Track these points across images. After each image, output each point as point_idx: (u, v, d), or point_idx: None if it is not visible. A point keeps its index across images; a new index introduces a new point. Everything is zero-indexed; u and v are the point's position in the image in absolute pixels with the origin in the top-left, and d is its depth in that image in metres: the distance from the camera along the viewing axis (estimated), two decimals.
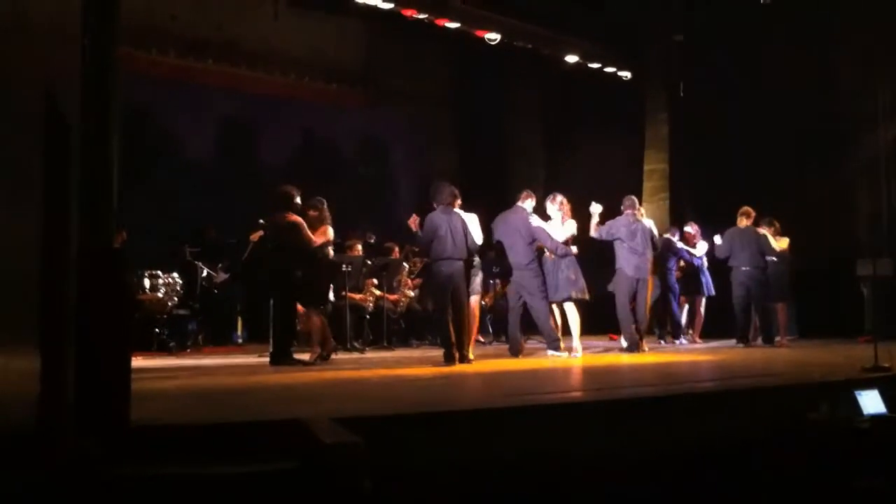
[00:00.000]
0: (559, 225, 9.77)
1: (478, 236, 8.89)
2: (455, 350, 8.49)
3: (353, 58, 14.49)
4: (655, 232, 10.88)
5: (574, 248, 9.75)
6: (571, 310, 9.76)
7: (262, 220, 9.87)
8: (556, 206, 9.86)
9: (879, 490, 4.50)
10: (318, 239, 8.77)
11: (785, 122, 12.46)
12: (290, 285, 8.68)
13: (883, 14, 12.16)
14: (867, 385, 6.27)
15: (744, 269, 11.26)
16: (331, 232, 9.04)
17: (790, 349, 10.67)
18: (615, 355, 10.17)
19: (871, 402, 6.03)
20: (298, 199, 8.78)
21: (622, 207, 10.64)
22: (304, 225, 8.65)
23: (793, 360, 9.15)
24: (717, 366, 8.65)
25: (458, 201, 8.87)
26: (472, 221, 8.88)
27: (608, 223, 10.55)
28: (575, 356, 9.50)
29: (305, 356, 8.87)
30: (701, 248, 12.00)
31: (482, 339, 12.76)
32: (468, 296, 8.89)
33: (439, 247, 8.58)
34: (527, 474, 4.59)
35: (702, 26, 13.26)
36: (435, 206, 8.76)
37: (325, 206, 9.06)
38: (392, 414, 4.87)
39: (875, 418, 5.93)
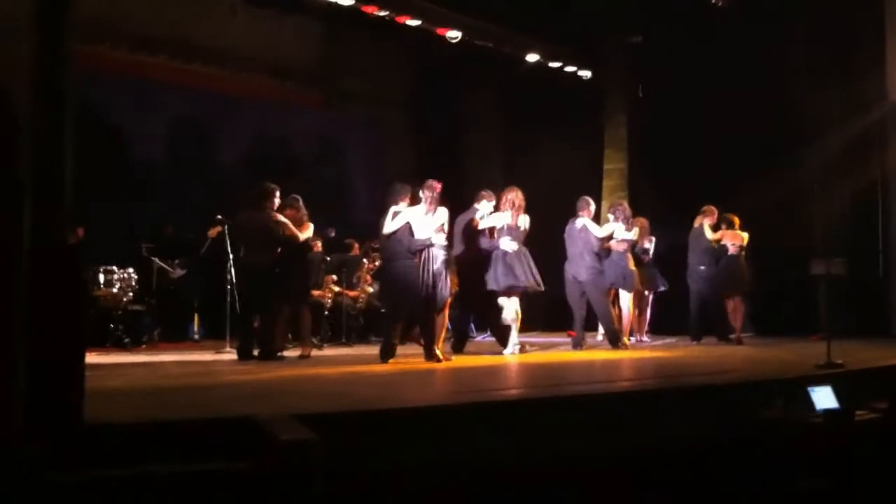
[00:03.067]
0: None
1: (421, 232, 8.48)
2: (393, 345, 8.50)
3: (310, 57, 14.36)
4: (595, 231, 10.49)
5: (505, 243, 9.61)
6: (507, 304, 9.67)
7: (219, 217, 9.85)
8: (507, 203, 9.70)
9: (823, 490, 4.57)
10: (302, 232, 9.00)
11: (742, 123, 12.56)
12: (275, 282, 8.79)
13: (842, 17, 12.34)
14: (820, 381, 6.37)
15: (694, 266, 11.44)
16: (311, 228, 9.24)
17: (746, 346, 10.79)
18: (567, 352, 10.24)
19: (823, 398, 6.13)
20: (277, 196, 8.98)
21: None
22: (285, 222, 8.87)
23: (747, 357, 9.26)
24: (671, 363, 8.74)
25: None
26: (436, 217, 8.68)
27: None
28: (506, 353, 9.55)
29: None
30: (649, 244, 12.07)
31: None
32: (409, 294, 8.48)
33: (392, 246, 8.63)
34: (485, 471, 4.60)
35: (661, 28, 13.34)
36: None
37: (302, 204, 9.22)
38: (351, 410, 4.87)
39: (827, 414, 6.03)
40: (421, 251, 8.39)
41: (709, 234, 11.36)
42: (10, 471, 3.35)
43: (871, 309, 12.16)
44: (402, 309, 8.66)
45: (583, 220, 10.47)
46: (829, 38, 12.47)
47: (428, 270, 8.37)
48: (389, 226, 8.45)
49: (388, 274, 8.90)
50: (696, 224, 11.54)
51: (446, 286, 8.59)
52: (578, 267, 10.36)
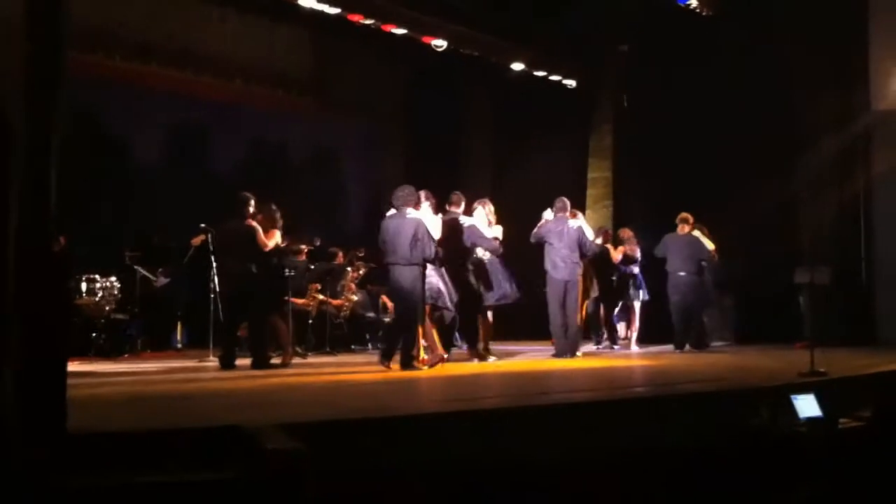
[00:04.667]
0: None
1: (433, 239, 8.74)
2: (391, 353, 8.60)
3: (303, 66, 14.34)
4: (588, 234, 10.72)
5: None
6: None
7: (203, 225, 9.83)
8: (491, 214, 10.09)
9: (819, 497, 4.58)
10: (268, 243, 8.95)
11: (729, 132, 12.61)
12: (256, 291, 8.80)
13: (827, 28, 12.42)
14: (804, 390, 6.39)
15: (679, 274, 11.44)
16: (278, 236, 9.16)
17: (731, 355, 10.83)
18: (548, 360, 10.23)
19: (807, 406, 6.15)
20: (252, 204, 8.97)
21: (553, 209, 10.66)
22: (260, 230, 8.87)
23: (732, 365, 9.29)
24: (657, 371, 8.76)
25: (421, 203, 8.85)
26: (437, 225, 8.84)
27: (539, 226, 10.60)
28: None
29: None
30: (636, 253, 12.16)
31: (424, 344, 12.76)
32: (410, 300, 8.57)
33: (385, 251, 8.73)
34: (468, 478, 4.59)
35: (648, 37, 13.39)
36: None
37: (275, 210, 9.18)
38: (336, 419, 4.85)
39: (811, 422, 6.04)
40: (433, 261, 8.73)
41: (709, 245, 11.40)
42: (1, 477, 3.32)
43: (857, 317, 12.22)
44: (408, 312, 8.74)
45: (578, 222, 10.57)
46: (817, 49, 12.51)
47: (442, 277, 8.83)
48: (435, 231, 8.64)
49: (398, 278, 8.71)
50: (683, 232, 11.52)
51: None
52: (567, 266, 10.40)
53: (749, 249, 11.96)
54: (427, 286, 8.77)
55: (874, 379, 7.84)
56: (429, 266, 8.75)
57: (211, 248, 9.72)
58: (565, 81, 14.31)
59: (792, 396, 6.18)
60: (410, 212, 8.65)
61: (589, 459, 5.03)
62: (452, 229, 9.57)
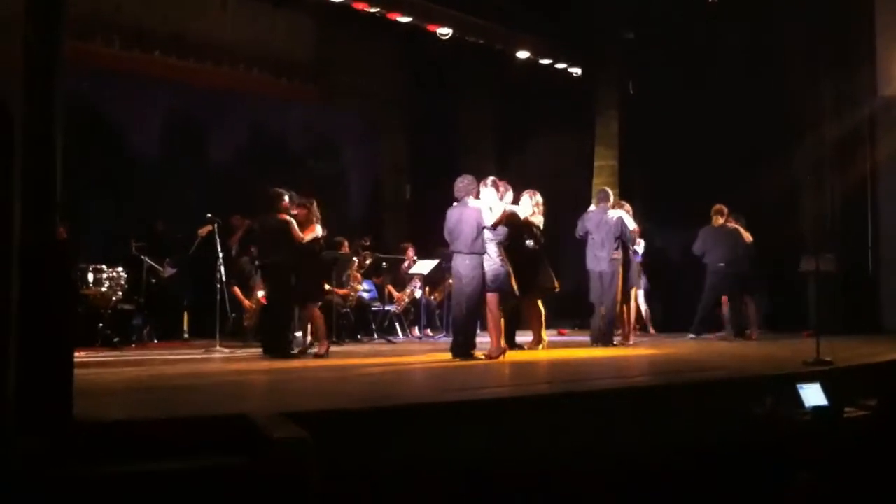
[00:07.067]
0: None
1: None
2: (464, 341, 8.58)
3: (304, 52, 14.32)
4: (629, 223, 10.69)
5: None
6: None
7: (209, 215, 9.86)
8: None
9: (814, 488, 4.57)
10: (306, 235, 9.06)
11: (734, 120, 12.58)
12: (286, 282, 8.89)
13: (833, 13, 12.37)
14: (809, 378, 6.39)
15: (719, 265, 11.37)
16: (319, 229, 9.31)
17: (737, 343, 10.83)
18: (552, 350, 10.24)
19: (812, 395, 6.15)
20: (287, 199, 9.12)
21: (596, 201, 10.77)
22: (294, 223, 8.97)
23: (738, 353, 9.29)
24: (662, 360, 8.76)
25: (487, 189, 8.86)
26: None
27: (581, 219, 10.66)
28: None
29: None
30: (640, 245, 12.14)
31: (430, 334, 12.86)
32: (468, 289, 8.49)
33: (449, 240, 8.71)
34: (474, 468, 4.61)
35: (653, 24, 13.36)
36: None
37: (315, 205, 9.32)
38: (341, 409, 4.87)
39: (816, 411, 6.04)
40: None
41: (747, 237, 11.45)
42: (4, 467, 3.34)
43: (862, 305, 12.20)
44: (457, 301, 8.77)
45: (617, 213, 10.60)
46: (823, 35, 12.49)
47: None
48: (489, 218, 8.54)
49: (459, 266, 8.66)
50: (718, 224, 11.45)
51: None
52: (601, 258, 10.41)
53: (755, 237, 11.95)
54: (493, 272, 8.62)
55: (880, 368, 7.83)
56: (494, 252, 8.63)
57: (217, 238, 9.76)
58: (570, 69, 14.28)
59: (797, 385, 6.18)
60: (472, 201, 8.57)
61: (593, 447, 5.04)
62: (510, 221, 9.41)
